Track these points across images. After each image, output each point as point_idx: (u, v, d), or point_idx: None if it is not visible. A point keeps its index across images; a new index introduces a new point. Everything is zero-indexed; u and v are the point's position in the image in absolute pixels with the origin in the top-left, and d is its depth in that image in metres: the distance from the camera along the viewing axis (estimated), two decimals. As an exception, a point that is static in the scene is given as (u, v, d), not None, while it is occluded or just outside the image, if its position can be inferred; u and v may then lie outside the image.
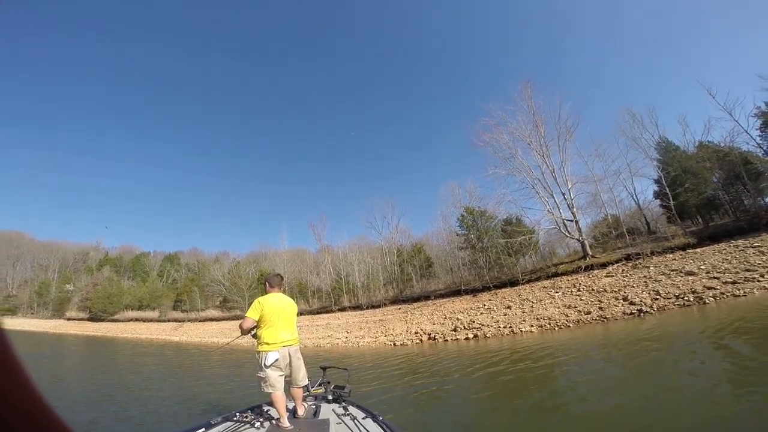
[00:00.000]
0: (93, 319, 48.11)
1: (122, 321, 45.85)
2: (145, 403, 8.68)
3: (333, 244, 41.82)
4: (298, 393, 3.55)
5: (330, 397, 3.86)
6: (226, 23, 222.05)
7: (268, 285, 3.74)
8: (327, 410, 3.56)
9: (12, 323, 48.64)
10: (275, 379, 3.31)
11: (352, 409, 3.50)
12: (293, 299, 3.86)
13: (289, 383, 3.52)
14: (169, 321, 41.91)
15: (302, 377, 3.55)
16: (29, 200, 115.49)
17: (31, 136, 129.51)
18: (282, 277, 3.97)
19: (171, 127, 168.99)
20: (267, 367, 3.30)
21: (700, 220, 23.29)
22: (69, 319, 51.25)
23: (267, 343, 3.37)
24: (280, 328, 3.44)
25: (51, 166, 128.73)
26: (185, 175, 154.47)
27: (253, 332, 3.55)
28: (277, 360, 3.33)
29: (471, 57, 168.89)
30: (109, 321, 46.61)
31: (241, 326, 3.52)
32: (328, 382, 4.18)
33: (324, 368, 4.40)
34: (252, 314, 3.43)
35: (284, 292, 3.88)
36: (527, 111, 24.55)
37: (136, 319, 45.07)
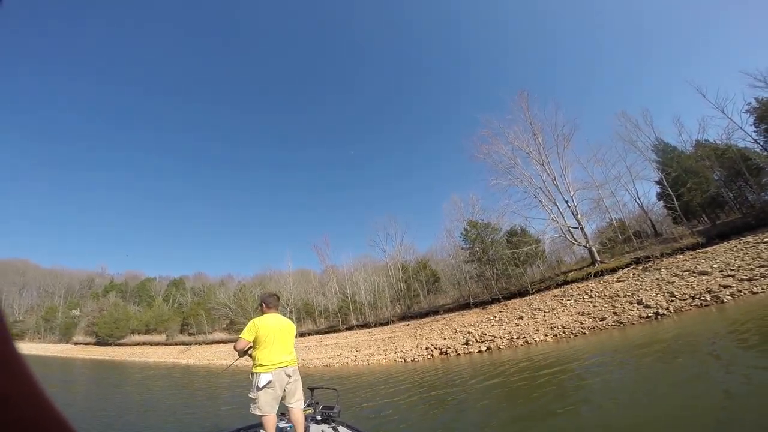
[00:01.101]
0: (100, 343, 48.06)
1: (129, 345, 45.70)
2: (149, 422, 9.12)
3: (337, 263, 41.85)
4: (297, 415, 3.45)
5: (319, 418, 3.80)
6: (230, 68, 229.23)
7: (264, 306, 3.70)
8: (316, 431, 3.53)
9: (20, 347, 48.62)
10: (267, 401, 3.22)
11: (342, 430, 3.48)
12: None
13: (285, 405, 3.44)
14: (176, 344, 41.75)
15: (298, 398, 3.46)
16: (33, 229, 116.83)
17: (33, 167, 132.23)
18: (278, 298, 3.90)
19: (173, 156, 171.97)
20: (260, 389, 3.22)
21: (706, 219, 23.05)
22: (76, 344, 51.18)
23: (261, 365, 3.29)
24: (276, 349, 3.37)
25: (53, 195, 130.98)
26: (189, 203, 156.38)
27: (248, 353, 3.47)
28: (270, 382, 3.24)
29: (467, 68, 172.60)
30: (116, 345, 46.49)
31: (235, 347, 3.45)
32: (317, 403, 4.10)
33: (312, 389, 4.30)
34: (246, 335, 3.38)
35: (291, 313, 3.82)
36: (524, 120, 24.78)
37: (144, 343, 44.92)
